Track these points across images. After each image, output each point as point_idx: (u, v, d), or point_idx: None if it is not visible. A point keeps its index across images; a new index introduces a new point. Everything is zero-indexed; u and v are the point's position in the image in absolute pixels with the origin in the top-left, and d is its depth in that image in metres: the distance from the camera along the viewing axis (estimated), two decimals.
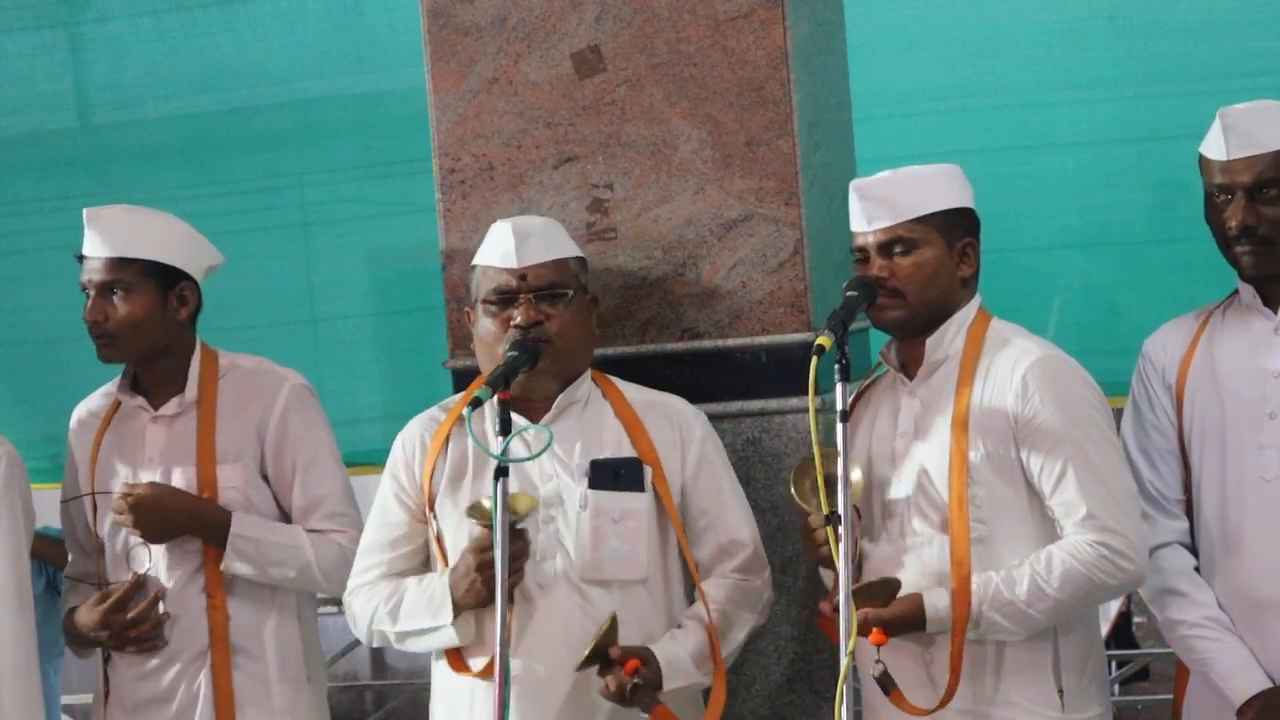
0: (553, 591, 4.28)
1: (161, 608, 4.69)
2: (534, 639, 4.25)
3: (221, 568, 4.65)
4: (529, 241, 4.35)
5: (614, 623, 4.16)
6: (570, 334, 4.34)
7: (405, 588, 4.36)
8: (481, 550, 4.17)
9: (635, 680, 4.14)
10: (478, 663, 4.30)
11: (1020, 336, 4.23)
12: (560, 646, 4.25)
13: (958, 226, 4.22)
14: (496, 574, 4.05)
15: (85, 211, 4.73)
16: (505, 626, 4.03)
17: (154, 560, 4.70)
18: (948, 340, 4.21)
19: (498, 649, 4.03)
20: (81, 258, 4.73)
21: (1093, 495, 4.07)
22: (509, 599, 4.06)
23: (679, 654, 4.25)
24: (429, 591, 4.31)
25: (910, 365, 4.26)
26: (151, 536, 4.66)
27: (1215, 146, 4.27)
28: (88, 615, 4.72)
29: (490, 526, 4.11)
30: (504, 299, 4.34)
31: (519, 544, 4.18)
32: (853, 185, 4.22)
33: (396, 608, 4.36)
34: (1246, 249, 4.25)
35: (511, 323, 4.32)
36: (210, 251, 4.80)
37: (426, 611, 4.31)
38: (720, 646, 4.29)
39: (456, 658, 4.35)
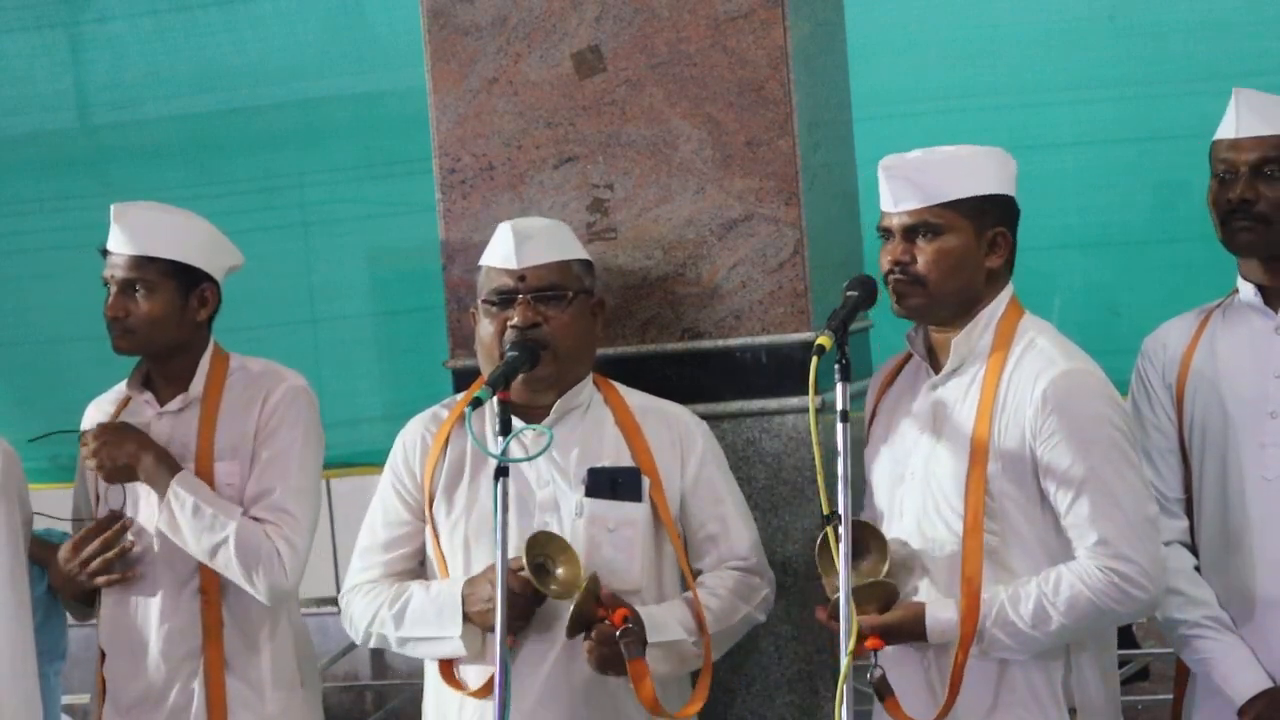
0: (545, 599, 4.26)
1: (129, 538, 4.68)
2: (526, 647, 4.24)
3: (157, 523, 4.65)
4: (529, 243, 4.34)
5: (594, 579, 4.14)
6: (569, 337, 4.33)
7: (411, 593, 4.35)
8: (509, 584, 4.11)
9: (625, 627, 4.11)
10: (472, 677, 4.31)
11: (1047, 340, 4.12)
12: (552, 653, 4.25)
13: (990, 214, 4.10)
14: (497, 576, 4.05)
15: (113, 207, 4.74)
16: (504, 628, 4.03)
17: (126, 499, 4.72)
18: (974, 337, 4.12)
19: (498, 649, 4.02)
20: (105, 251, 4.74)
21: (1106, 521, 3.99)
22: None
23: (661, 613, 4.24)
24: (439, 600, 4.30)
25: (934, 354, 4.18)
26: (107, 470, 4.67)
27: (1226, 126, 4.25)
28: (62, 552, 4.74)
29: (533, 574, 4.13)
30: (503, 300, 4.34)
31: (536, 599, 4.18)
32: (881, 163, 4.11)
33: (402, 612, 4.35)
34: (1243, 224, 4.21)
35: (509, 323, 4.31)
36: (232, 252, 4.82)
37: (434, 620, 4.30)
38: (708, 620, 4.26)
39: (448, 670, 4.35)
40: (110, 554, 4.68)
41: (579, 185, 4.73)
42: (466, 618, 4.25)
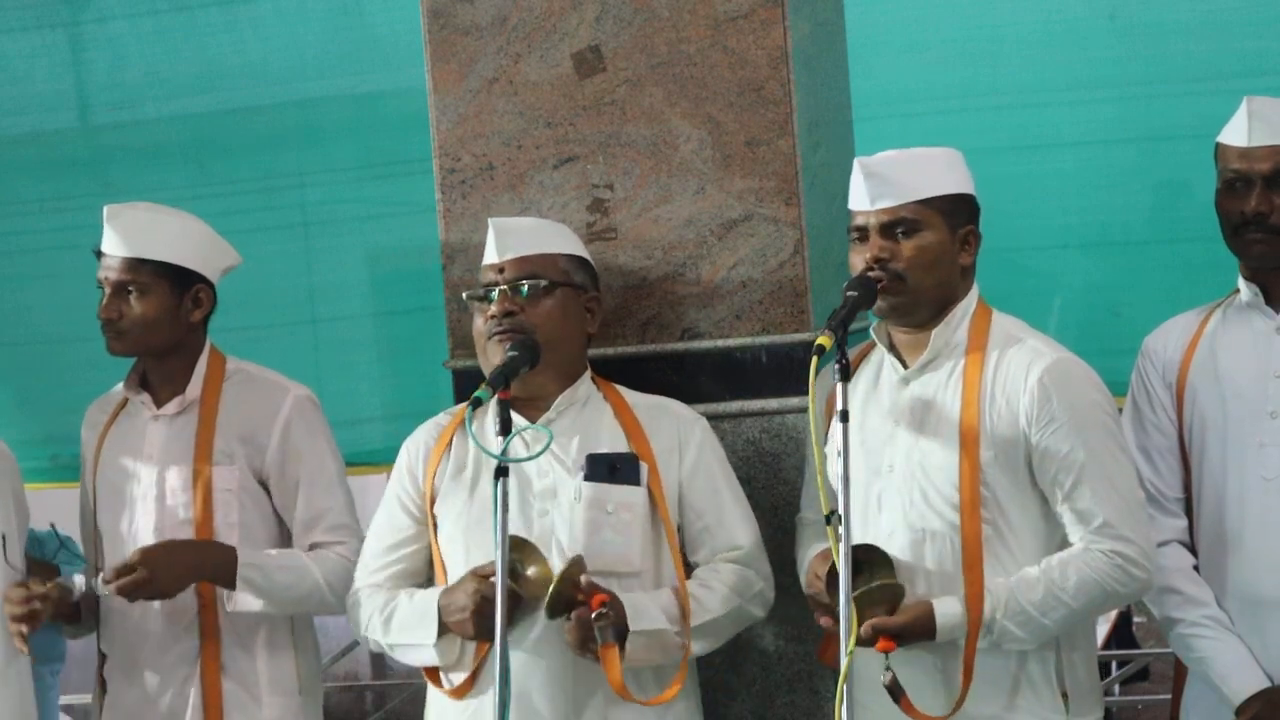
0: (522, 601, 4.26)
1: (78, 591, 4.64)
2: (526, 634, 4.24)
3: (229, 608, 4.64)
4: (507, 236, 4.38)
5: (578, 560, 4.15)
6: (547, 325, 4.34)
7: (399, 599, 4.38)
8: (482, 593, 4.16)
9: (601, 610, 4.11)
10: (454, 678, 4.33)
11: (1027, 334, 4.18)
12: (554, 641, 4.25)
13: (960, 213, 4.16)
14: (498, 576, 4.05)
15: (106, 209, 4.74)
16: (504, 623, 4.03)
17: (126, 510, 4.71)
18: (951, 330, 4.15)
19: (498, 648, 4.02)
20: (99, 253, 4.74)
21: (1107, 503, 4.03)
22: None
23: (644, 600, 4.24)
24: (419, 608, 4.32)
25: (905, 350, 4.20)
26: (168, 587, 4.59)
27: (1237, 133, 4.26)
28: (11, 592, 4.66)
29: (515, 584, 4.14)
30: (486, 294, 4.37)
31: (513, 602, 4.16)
32: (857, 162, 4.16)
33: (389, 618, 4.38)
34: (1256, 237, 4.24)
35: (488, 315, 4.34)
36: (228, 253, 4.82)
37: (415, 628, 4.33)
38: (692, 609, 4.26)
39: (433, 671, 4.37)
40: (22, 625, 4.57)
41: (579, 185, 4.73)
42: (444, 627, 4.27)
